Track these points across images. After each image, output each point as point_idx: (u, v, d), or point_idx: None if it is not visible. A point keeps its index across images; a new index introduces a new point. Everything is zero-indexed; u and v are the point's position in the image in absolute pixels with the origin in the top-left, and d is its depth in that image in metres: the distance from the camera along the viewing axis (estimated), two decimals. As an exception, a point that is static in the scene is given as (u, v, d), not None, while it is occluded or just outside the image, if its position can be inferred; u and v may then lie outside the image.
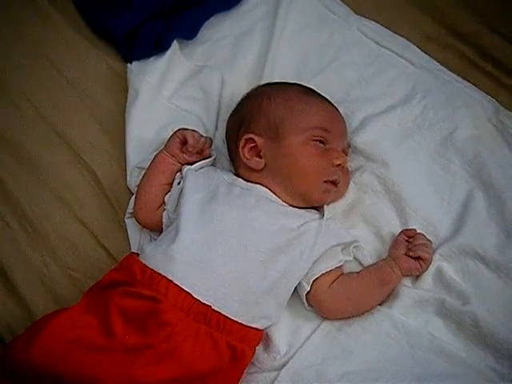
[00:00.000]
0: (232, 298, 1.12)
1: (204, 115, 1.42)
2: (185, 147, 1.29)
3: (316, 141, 1.23)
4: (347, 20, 1.51)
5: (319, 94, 1.31)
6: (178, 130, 1.31)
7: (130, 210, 1.34)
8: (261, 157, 1.24)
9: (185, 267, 1.12)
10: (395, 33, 1.49)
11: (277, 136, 1.23)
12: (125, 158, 1.40)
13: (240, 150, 1.25)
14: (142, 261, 1.14)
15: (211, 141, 1.33)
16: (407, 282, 1.22)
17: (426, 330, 1.17)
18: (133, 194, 1.35)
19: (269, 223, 1.18)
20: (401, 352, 1.16)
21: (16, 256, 1.35)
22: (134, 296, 1.10)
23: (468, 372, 1.13)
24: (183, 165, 1.29)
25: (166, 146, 1.31)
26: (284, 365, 1.17)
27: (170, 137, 1.31)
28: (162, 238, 1.20)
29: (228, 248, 1.14)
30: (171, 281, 1.10)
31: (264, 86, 1.35)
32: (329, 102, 1.31)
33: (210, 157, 1.32)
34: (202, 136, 1.31)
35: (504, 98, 1.39)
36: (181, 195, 1.23)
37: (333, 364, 1.16)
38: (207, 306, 1.10)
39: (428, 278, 1.21)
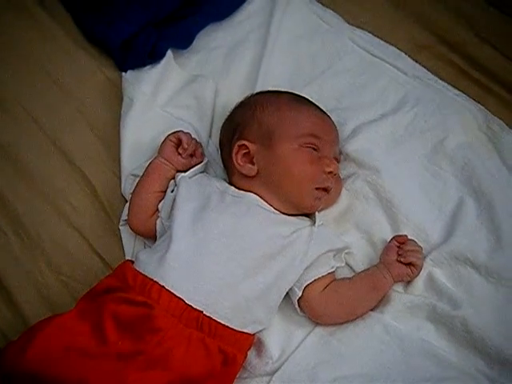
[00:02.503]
0: (223, 303, 1.12)
1: (198, 123, 1.44)
2: (180, 148, 1.32)
3: (308, 148, 1.24)
4: (340, 30, 1.53)
5: (311, 102, 1.33)
6: (170, 133, 1.34)
7: (124, 217, 1.35)
8: (253, 163, 1.25)
9: (177, 273, 1.13)
10: (387, 42, 1.51)
11: (269, 143, 1.24)
12: (119, 166, 1.41)
13: (233, 156, 1.26)
14: (137, 268, 1.15)
15: (201, 146, 1.36)
16: (398, 287, 1.23)
17: (417, 335, 1.18)
18: (127, 202, 1.36)
19: (260, 230, 1.19)
20: (392, 357, 1.17)
21: (10, 262, 1.35)
22: (126, 302, 1.11)
23: (459, 376, 1.14)
24: (177, 172, 1.31)
25: (159, 151, 1.33)
26: (276, 370, 1.18)
27: (163, 142, 1.34)
28: (156, 246, 1.21)
29: (220, 255, 1.15)
30: (163, 286, 1.11)
31: (257, 94, 1.36)
32: (321, 109, 1.32)
33: (201, 162, 1.33)
34: (193, 138, 1.34)
35: (493, 106, 1.40)
36: (174, 203, 1.24)
37: (325, 369, 1.16)
38: (199, 311, 1.11)
39: (419, 284, 1.22)
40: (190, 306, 1.10)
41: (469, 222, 1.26)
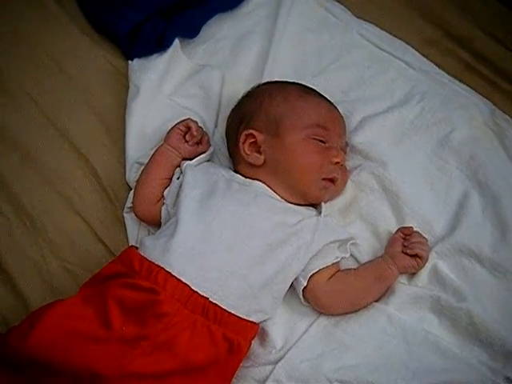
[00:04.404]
0: (229, 290, 1.13)
1: (204, 113, 1.43)
2: (188, 135, 1.32)
3: (315, 138, 1.24)
4: (347, 23, 1.53)
5: (319, 93, 1.33)
6: (179, 122, 1.34)
7: (128, 204, 1.35)
8: (260, 153, 1.25)
9: (183, 259, 1.13)
10: (395, 36, 1.51)
11: (276, 132, 1.24)
12: (124, 154, 1.41)
13: (240, 145, 1.26)
14: (141, 253, 1.15)
15: (208, 135, 1.37)
16: (403, 279, 1.23)
17: (421, 327, 1.18)
18: (131, 189, 1.36)
19: (267, 219, 1.19)
20: (396, 347, 1.17)
21: (13, 248, 1.35)
22: (131, 287, 1.11)
23: (461, 367, 1.14)
24: (183, 159, 1.31)
25: (166, 139, 1.33)
26: (280, 359, 1.18)
27: (170, 129, 1.34)
28: (161, 231, 1.21)
29: (226, 242, 1.15)
30: (169, 272, 1.11)
31: (265, 84, 1.36)
32: (328, 101, 1.32)
33: (207, 151, 1.34)
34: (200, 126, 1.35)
35: (500, 101, 1.40)
36: (180, 190, 1.24)
37: (328, 358, 1.17)
38: (205, 298, 1.11)
39: (423, 276, 1.22)
40: (196, 293, 1.10)
41: (474, 216, 1.26)
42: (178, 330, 1.08)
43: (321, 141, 1.25)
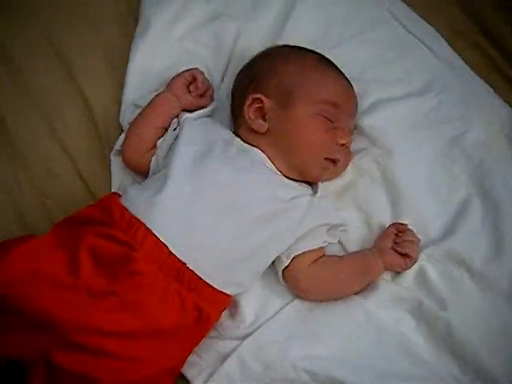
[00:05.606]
0: (208, 259, 1.08)
1: (212, 64, 1.36)
2: (192, 85, 1.26)
3: (325, 116, 1.17)
4: (379, -3, 1.44)
5: (337, 67, 1.25)
6: (185, 70, 1.28)
7: (117, 147, 1.29)
8: (265, 120, 1.18)
9: (166, 219, 1.08)
10: (425, 21, 1.42)
11: (286, 102, 1.18)
12: (122, 93, 1.33)
13: (245, 108, 1.19)
14: (124, 203, 1.09)
15: (213, 88, 1.30)
16: (387, 276, 1.19)
17: (397, 328, 1.15)
18: (123, 131, 1.29)
19: (260, 190, 1.14)
20: (368, 345, 1.13)
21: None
22: (108, 238, 1.06)
23: (430, 377, 1.11)
24: (182, 110, 1.24)
25: (168, 86, 1.27)
26: (247, 336, 1.14)
27: (175, 77, 1.27)
28: (148, 184, 1.16)
29: (214, 207, 1.10)
30: (150, 230, 1.05)
31: (282, 47, 1.28)
32: (346, 77, 1.25)
33: (209, 106, 1.28)
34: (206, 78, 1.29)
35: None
36: (175, 143, 1.18)
37: (297, 344, 1.13)
38: (182, 262, 1.05)
39: (409, 276, 1.18)
40: (174, 256, 1.05)
41: (472, 224, 1.21)
42: (148, 292, 1.04)
43: (329, 120, 1.18)
